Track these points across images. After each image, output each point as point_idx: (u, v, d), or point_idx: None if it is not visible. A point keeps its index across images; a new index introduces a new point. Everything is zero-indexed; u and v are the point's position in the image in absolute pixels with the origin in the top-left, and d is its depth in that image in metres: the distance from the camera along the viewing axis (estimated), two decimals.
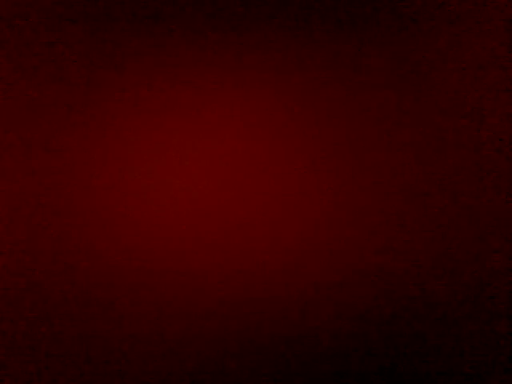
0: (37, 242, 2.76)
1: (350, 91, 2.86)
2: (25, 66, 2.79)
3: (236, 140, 2.83)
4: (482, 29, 2.89)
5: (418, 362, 2.84)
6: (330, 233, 2.83)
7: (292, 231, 2.82)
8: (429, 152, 2.87)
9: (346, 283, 2.83)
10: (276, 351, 2.81)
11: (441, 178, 2.87)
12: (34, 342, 2.75)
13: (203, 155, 2.82)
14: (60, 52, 2.79)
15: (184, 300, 2.79)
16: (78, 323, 2.77)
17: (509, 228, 2.86)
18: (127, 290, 2.78)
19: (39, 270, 2.76)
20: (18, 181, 2.77)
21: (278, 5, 2.84)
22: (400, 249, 2.84)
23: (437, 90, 2.88)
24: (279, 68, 2.85)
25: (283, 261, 2.82)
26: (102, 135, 2.80)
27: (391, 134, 2.86)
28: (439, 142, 2.87)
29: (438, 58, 2.88)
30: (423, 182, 2.86)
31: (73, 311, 2.77)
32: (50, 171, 2.78)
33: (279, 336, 2.81)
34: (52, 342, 2.76)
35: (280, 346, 2.81)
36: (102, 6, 2.80)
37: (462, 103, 2.88)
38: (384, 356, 2.82)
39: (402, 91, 2.87)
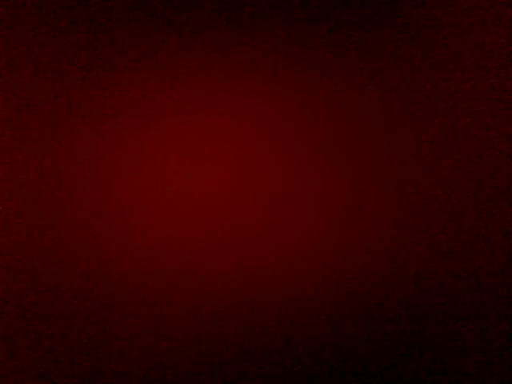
0: (37, 241, 2.76)
1: (350, 91, 2.86)
2: (25, 66, 2.79)
3: (237, 141, 2.83)
4: (482, 29, 2.89)
5: (419, 362, 2.84)
6: (331, 233, 2.83)
7: (292, 231, 2.82)
8: (429, 152, 2.87)
9: (346, 283, 2.83)
10: (276, 351, 2.81)
11: (440, 177, 2.87)
12: (34, 342, 2.75)
13: (204, 155, 2.82)
14: (60, 52, 2.79)
15: (184, 300, 2.80)
16: (78, 323, 2.77)
17: (509, 228, 2.86)
18: (128, 290, 2.78)
19: (39, 270, 2.76)
20: (17, 181, 2.77)
21: (279, 5, 2.84)
22: (400, 249, 2.84)
23: (437, 89, 2.88)
24: (280, 68, 2.85)
25: (283, 261, 2.82)
26: (103, 136, 2.80)
27: (391, 134, 2.86)
28: (439, 142, 2.87)
29: (438, 58, 2.88)
30: (423, 182, 2.86)
31: (73, 311, 2.77)
32: (51, 171, 2.78)
33: (279, 336, 2.81)
34: (52, 342, 2.76)
35: (280, 346, 2.81)
36: (102, 6, 2.80)
37: (462, 103, 2.88)
38: (384, 356, 2.82)
39: (402, 91, 2.87)
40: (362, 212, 2.84)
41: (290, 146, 2.84)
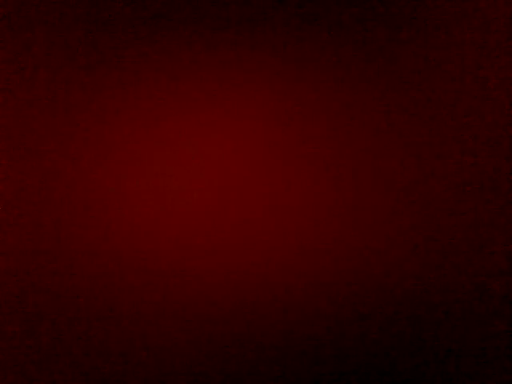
0: (37, 241, 2.76)
1: (349, 91, 2.86)
2: (25, 66, 2.79)
3: (236, 141, 2.83)
4: (482, 29, 2.89)
5: (418, 362, 2.84)
6: (330, 233, 2.83)
7: (292, 231, 2.82)
8: (429, 152, 2.87)
9: (345, 283, 2.83)
10: (276, 351, 2.81)
11: (441, 178, 2.87)
12: (34, 342, 2.75)
13: (203, 156, 2.82)
14: (60, 52, 2.79)
15: (183, 301, 2.80)
16: (78, 324, 2.77)
17: (509, 228, 2.86)
18: (127, 290, 2.78)
19: (39, 270, 2.76)
20: (17, 181, 2.77)
21: (278, 5, 2.84)
22: (400, 249, 2.84)
23: (437, 90, 2.88)
24: (280, 68, 2.85)
25: (283, 261, 2.82)
26: (102, 136, 2.80)
27: (391, 134, 2.86)
28: (439, 143, 2.87)
29: (438, 58, 2.88)
30: (423, 183, 2.86)
31: (73, 312, 2.77)
32: (51, 171, 2.78)
33: (279, 336, 2.81)
34: (52, 342, 2.76)
35: (280, 346, 2.81)
36: (102, 5, 2.80)
37: (462, 103, 2.88)
38: (384, 356, 2.82)
39: (402, 91, 2.87)
40: (361, 212, 2.84)
41: (290, 146, 2.84)
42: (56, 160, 2.78)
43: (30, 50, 2.78)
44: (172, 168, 2.81)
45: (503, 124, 2.88)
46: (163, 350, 2.78)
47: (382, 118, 2.86)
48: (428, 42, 2.88)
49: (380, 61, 2.86)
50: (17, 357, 2.75)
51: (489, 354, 2.85)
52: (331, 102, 2.85)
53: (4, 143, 2.77)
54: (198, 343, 2.79)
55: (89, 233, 2.77)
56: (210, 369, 2.80)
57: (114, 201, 2.79)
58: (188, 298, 2.79)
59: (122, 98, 2.80)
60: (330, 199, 2.84)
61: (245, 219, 2.81)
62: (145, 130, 2.80)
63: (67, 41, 2.79)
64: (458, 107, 2.88)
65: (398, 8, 2.87)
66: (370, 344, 2.82)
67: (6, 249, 2.75)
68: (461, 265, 2.86)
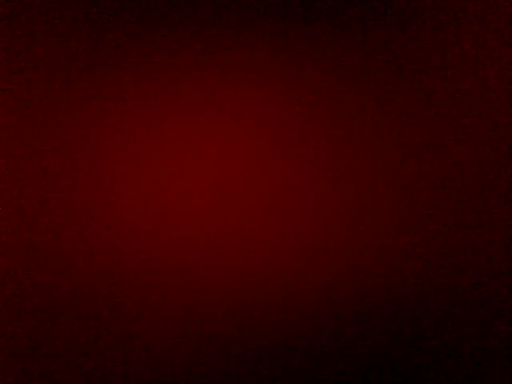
0: (37, 242, 2.76)
1: (350, 91, 2.86)
2: (25, 65, 2.79)
3: (236, 141, 2.83)
4: (482, 28, 2.89)
5: (418, 362, 2.84)
6: (331, 233, 2.83)
7: (292, 231, 2.82)
8: (429, 152, 2.87)
9: (345, 283, 2.83)
10: (276, 351, 2.81)
11: (441, 177, 2.87)
12: (34, 342, 2.75)
13: (204, 156, 2.82)
14: (60, 52, 2.79)
15: (183, 301, 2.80)
16: (78, 323, 2.77)
17: (509, 228, 2.86)
18: (127, 290, 2.78)
19: (39, 269, 2.76)
20: (18, 181, 2.77)
21: (279, 5, 2.84)
22: (400, 249, 2.84)
23: (437, 89, 2.88)
24: (280, 68, 2.85)
25: (283, 261, 2.82)
26: (103, 136, 2.80)
27: (391, 133, 2.86)
28: (439, 143, 2.87)
29: (438, 58, 2.88)
30: (423, 183, 2.86)
31: (73, 312, 2.77)
32: (51, 171, 2.78)
33: (279, 336, 2.81)
34: (52, 342, 2.76)
35: (280, 346, 2.81)
36: (102, 5, 2.80)
37: (462, 103, 2.88)
38: (384, 356, 2.82)
39: (402, 91, 2.87)
40: (361, 212, 2.84)
41: (290, 147, 2.84)
42: (56, 160, 2.78)
43: (30, 50, 2.79)
44: (172, 168, 2.81)
45: (503, 124, 2.88)
46: (163, 350, 2.78)
47: (382, 118, 2.86)
48: (428, 42, 2.88)
49: (380, 60, 2.86)
50: (17, 357, 2.75)
51: (489, 353, 2.85)
52: (331, 102, 2.85)
53: (4, 143, 2.77)
54: (197, 343, 2.79)
55: (89, 233, 2.77)
56: (210, 369, 2.80)
57: (113, 201, 2.79)
58: (188, 298, 2.80)
59: (122, 98, 2.80)
60: (330, 199, 2.84)
61: (245, 219, 2.81)
62: (145, 130, 2.81)
63: (67, 41, 2.80)
64: (458, 107, 2.88)
65: (398, 8, 2.87)
66: (370, 344, 2.82)
67: (6, 249, 2.75)
68: (461, 265, 2.86)
